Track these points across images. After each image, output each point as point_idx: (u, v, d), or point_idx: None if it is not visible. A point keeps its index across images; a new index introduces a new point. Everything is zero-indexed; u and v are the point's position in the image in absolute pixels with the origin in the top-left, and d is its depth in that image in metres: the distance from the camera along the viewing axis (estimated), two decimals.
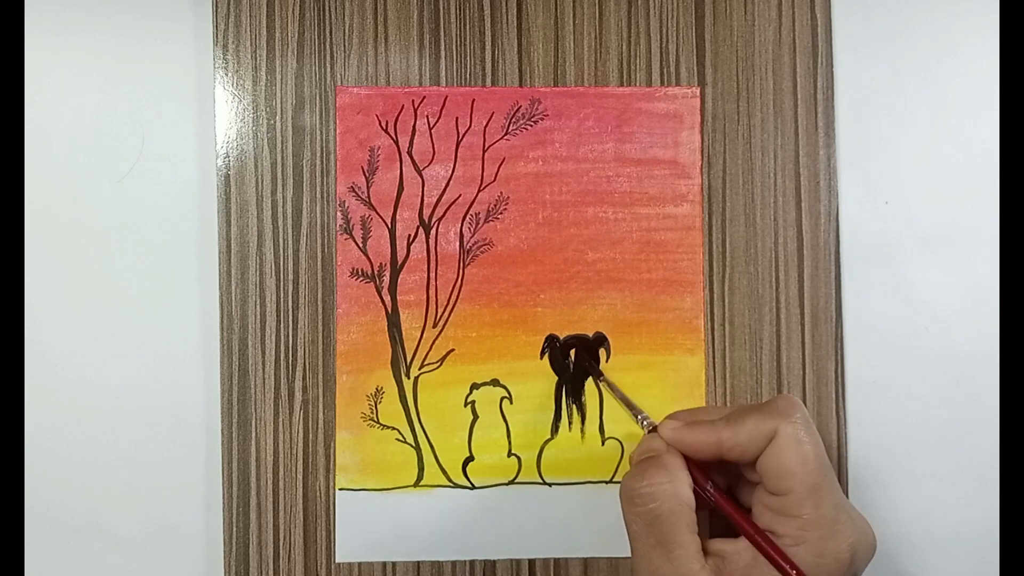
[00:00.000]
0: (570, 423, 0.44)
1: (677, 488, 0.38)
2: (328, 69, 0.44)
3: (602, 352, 0.44)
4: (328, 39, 0.44)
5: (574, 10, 0.45)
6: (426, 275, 0.44)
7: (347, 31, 0.44)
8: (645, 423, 0.41)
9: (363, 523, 0.43)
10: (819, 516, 0.36)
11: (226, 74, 0.44)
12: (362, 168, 0.44)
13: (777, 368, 0.44)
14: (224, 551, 0.43)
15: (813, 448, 0.37)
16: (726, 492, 0.40)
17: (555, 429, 0.44)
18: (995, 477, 0.44)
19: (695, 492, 0.38)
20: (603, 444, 0.44)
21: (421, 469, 0.44)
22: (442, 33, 0.45)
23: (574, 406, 0.44)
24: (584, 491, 0.44)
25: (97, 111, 0.44)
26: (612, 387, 0.43)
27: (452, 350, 0.44)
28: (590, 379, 0.44)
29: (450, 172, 0.44)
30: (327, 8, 0.44)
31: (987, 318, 0.44)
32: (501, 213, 0.44)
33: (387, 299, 0.44)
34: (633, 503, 0.38)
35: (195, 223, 0.44)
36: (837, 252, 0.44)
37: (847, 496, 0.44)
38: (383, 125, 0.44)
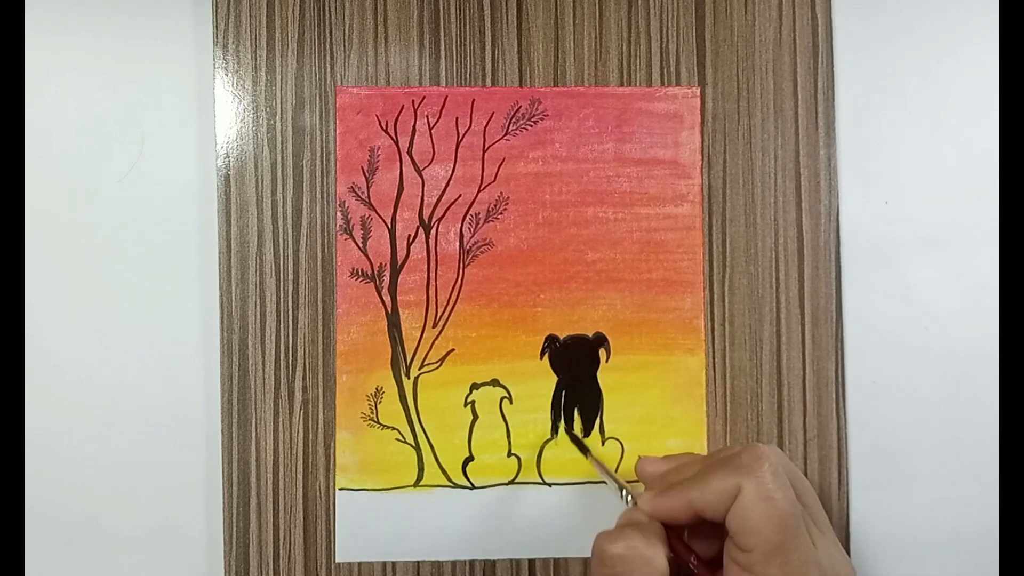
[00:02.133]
0: (571, 423, 0.44)
1: (650, 554, 0.37)
2: (328, 69, 0.44)
3: (602, 352, 0.44)
4: (328, 39, 0.44)
5: (574, 10, 0.45)
6: (426, 275, 0.44)
7: (347, 31, 0.44)
8: (628, 498, 0.40)
9: (363, 523, 0.43)
10: (785, 574, 0.35)
11: (226, 74, 0.44)
12: (362, 168, 0.44)
13: (777, 368, 0.44)
14: (224, 551, 0.43)
15: (779, 505, 0.36)
16: (714, 557, 0.39)
17: (555, 429, 0.44)
18: (995, 477, 0.44)
19: (680, 565, 0.38)
20: (603, 444, 0.44)
21: (421, 469, 0.44)
22: (442, 33, 0.45)
23: (574, 406, 0.44)
24: (584, 491, 0.44)
25: (97, 111, 0.44)
26: (599, 465, 0.42)
27: (452, 350, 0.44)
28: (589, 379, 0.44)
29: (450, 172, 0.44)
30: (327, 8, 0.44)
31: (987, 318, 0.44)
32: (501, 213, 0.44)
33: (387, 299, 0.44)
34: (603, 563, 0.37)
35: (195, 223, 0.44)
36: (837, 252, 0.44)
37: (847, 497, 0.44)
38: (383, 125, 0.44)
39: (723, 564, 0.37)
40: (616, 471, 0.44)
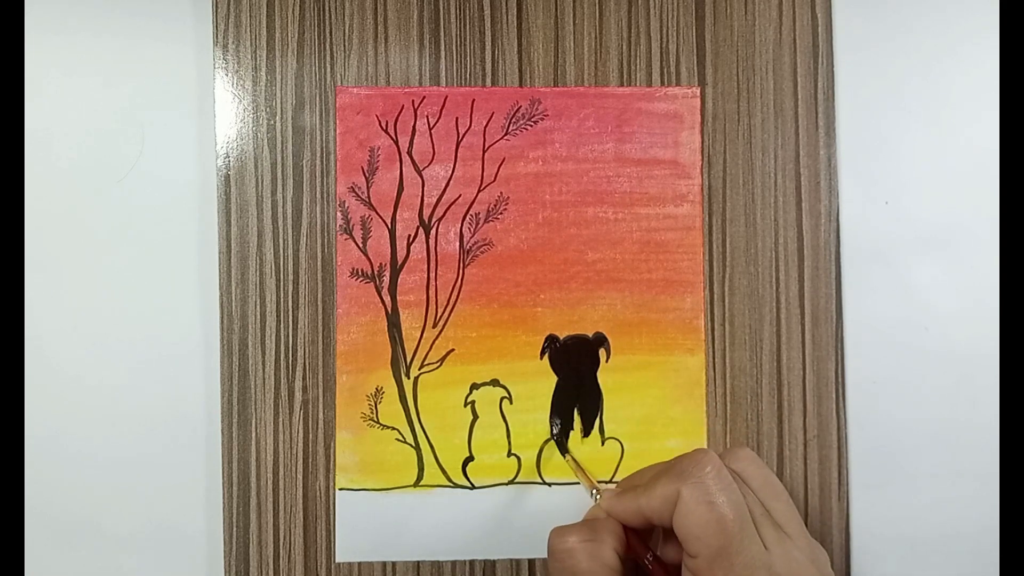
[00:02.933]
0: (570, 425, 0.44)
1: (598, 549, 0.37)
2: (328, 69, 0.44)
3: (602, 352, 0.44)
4: (328, 39, 0.44)
5: (574, 10, 0.45)
6: (426, 275, 0.44)
7: (347, 31, 0.44)
8: (596, 497, 0.40)
9: (363, 523, 0.43)
10: None
11: (226, 74, 0.44)
12: (362, 168, 0.44)
13: (777, 368, 0.44)
14: (224, 551, 0.43)
15: (718, 509, 0.35)
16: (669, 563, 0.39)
17: (553, 432, 0.44)
18: (995, 477, 0.44)
19: (638, 563, 0.38)
20: (603, 444, 0.44)
21: (421, 469, 0.44)
22: (442, 33, 0.45)
23: (574, 406, 0.44)
24: (584, 491, 0.44)
25: (97, 111, 0.44)
26: (575, 464, 0.43)
27: (452, 350, 0.44)
28: (589, 379, 0.44)
29: (450, 172, 0.44)
30: (327, 8, 0.44)
31: (987, 318, 0.44)
32: (501, 213, 0.44)
33: (387, 299, 0.44)
34: (553, 557, 0.38)
35: (195, 223, 0.44)
36: (837, 252, 0.44)
37: (847, 497, 0.44)
38: (383, 125, 0.44)
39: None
40: (616, 471, 0.44)
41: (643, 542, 0.39)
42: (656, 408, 0.44)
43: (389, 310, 0.44)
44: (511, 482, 0.44)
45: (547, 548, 0.38)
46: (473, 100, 0.44)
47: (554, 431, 0.44)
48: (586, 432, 0.44)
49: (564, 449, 0.44)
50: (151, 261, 0.44)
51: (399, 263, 0.44)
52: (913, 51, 0.45)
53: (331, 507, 0.43)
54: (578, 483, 0.44)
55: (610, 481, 0.44)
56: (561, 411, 0.44)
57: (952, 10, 0.45)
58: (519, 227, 0.44)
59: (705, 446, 0.44)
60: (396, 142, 0.44)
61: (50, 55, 0.45)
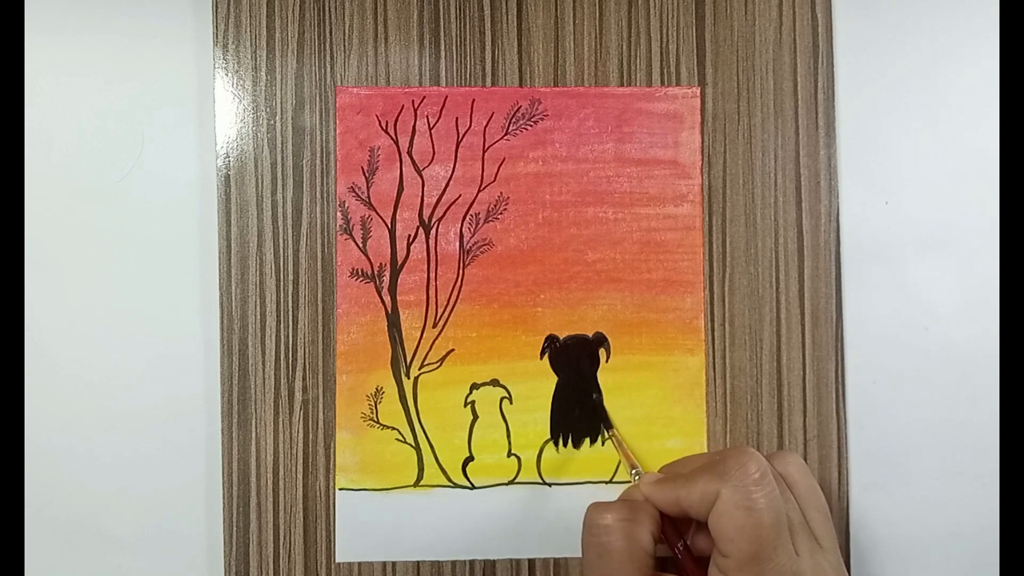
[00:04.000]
0: (570, 425, 0.44)
1: (635, 529, 0.37)
2: (328, 69, 0.44)
3: (602, 352, 0.44)
4: (328, 39, 0.44)
5: (574, 10, 0.45)
6: (426, 275, 0.44)
7: (347, 31, 0.44)
8: (636, 478, 0.41)
9: (363, 523, 0.43)
10: None
11: (226, 74, 0.44)
12: (362, 168, 0.44)
13: (777, 368, 0.44)
14: (224, 551, 0.43)
15: (756, 515, 0.36)
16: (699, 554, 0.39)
17: (554, 432, 0.44)
18: (995, 477, 0.44)
19: (669, 550, 0.39)
20: (603, 444, 0.44)
21: (421, 469, 0.44)
22: (442, 33, 0.45)
23: (575, 406, 0.44)
24: (584, 491, 0.44)
25: (97, 111, 0.44)
26: (618, 441, 0.43)
27: (452, 350, 0.44)
28: (589, 379, 0.44)
29: (450, 172, 0.44)
30: (327, 8, 0.44)
31: (987, 318, 0.44)
32: (501, 213, 0.44)
33: (387, 299, 0.44)
34: (590, 531, 0.38)
35: (195, 223, 0.44)
36: (837, 252, 0.44)
37: (847, 497, 0.44)
38: (383, 125, 0.44)
39: (708, 569, 0.38)
40: (616, 471, 0.44)
41: (677, 530, 0.39)
42: (656, 408, 0.44)
43: (389, 310, 0.44)
44: (511, 482, 0.44)
45: (584, 521, 0.39)
46: (473, 100, 0.44)
47: (595, 397, 0.44)
48: (592, 441, 0.44)
49: (608, 423, 0.43)
50: (151, 261, 0.44)
51: (399, 263, 0.44)
52: (913, 51, 0.45)
53: (331, 507, 0.43)
54: (578, 483, 0.44)
55: (610, 481, 0.44)
56: (562, 411, 0.44)
57: (952, 10, 0.45)
58: (519, 227, 0.44)
59: (705, 447, 0.44)
60: (396, 142, 0.44)
61: (50, 55, 0.45)
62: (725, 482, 0.36)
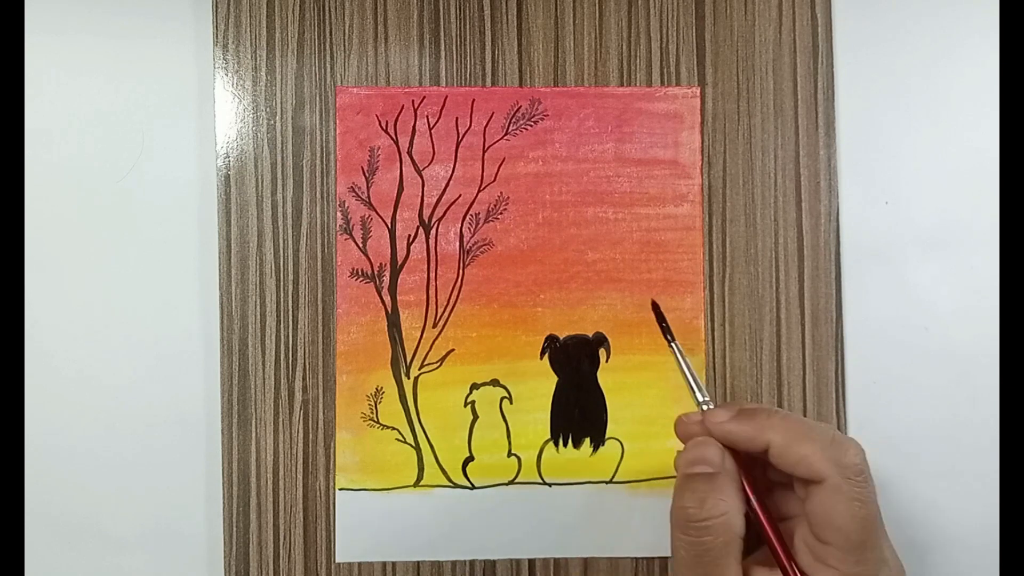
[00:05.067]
0: (570, 427, 0.44)
1: (732, 520, 0.36)
2: (328, 69, 0.44)
3: (602, 352, 0.44)
4: (328, 39, 0.44)
5: (574, 10, 0.45)
6: (426, 275, 0.44)
7: (347, 31, 0.44)
8: (704, 407, 0.39)
9: (363, 523, 0.43)
10: (858, 573, 0.36)
11: (226, 74, 0.44)
12: (362, 168, 0.44)
13: (777, 368, 0.44)
14: (224, 551, 0.43)
15: (868, 507, 0.36)
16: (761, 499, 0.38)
17: (555, 431, 0.44)
18: (995, 477, 0.44)
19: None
20: (603, 444, 0.44)
21: (421, 469, 0.44)
22: (442, 33, 0.45)
23: (575, 406, 0.44)
24: (584, 491, 0.44)
25: (97, 111, 0.44)
26: (682, 357, 0.41)
27: (452, 350, 0.44)
28: (589, 379, 0.44)
29: (450, 172, 0.44)
30: (327, 8, 0.44)
31: (987, 318, 0.44)
32: (501, 213, 0.44)
33: (387, 299, 0.44)
34: (687, 532, 0.36)
35: (195, 223, 0.44)
36: (837, 252, 0.44)
37: None
38: (383, 125, 0.44)
39: (793, 545, 0.37)
40: (616, 471, 0.44)
41: (753, 486, 0.38)
42: (656, 408, 0.44)
43: (389, 310, 0.44)
44: (511, 482, 0.44)
45: (675, 519, 0.37)
46: (473, 100, 0.44)
47: (658, 309, 0.42)
48: (594, 440, 0.44)
49: (671, 336, 0.41)
50: (151, 261, 0.44)
51: (399, 263, 0.44)
52: (913, 51, 0.45)
53: (331, 507, 0.43)
54: (578, 483, 0.44)
55: (610, 481, 0.44)
56: (562, 411, 0.44)
57: (952, 10, 0.45)
58: (519, 227, 0.44)
59: None
60: (396, 142, 0.44)
61: (50, 55, 0.45)
62: (837, 470, 0.36)
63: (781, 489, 0.39)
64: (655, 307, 0.43)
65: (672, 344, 0.41)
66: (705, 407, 0.39)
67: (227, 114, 0.44)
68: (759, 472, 0.39)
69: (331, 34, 0.44)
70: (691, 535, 0.36)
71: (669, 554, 0.39)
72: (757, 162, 0.45)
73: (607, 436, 0.44)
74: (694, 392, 0.40)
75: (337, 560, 0.43)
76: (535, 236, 0.44)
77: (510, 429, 0.44)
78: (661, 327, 0.42)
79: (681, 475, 0.38)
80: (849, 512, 0.36)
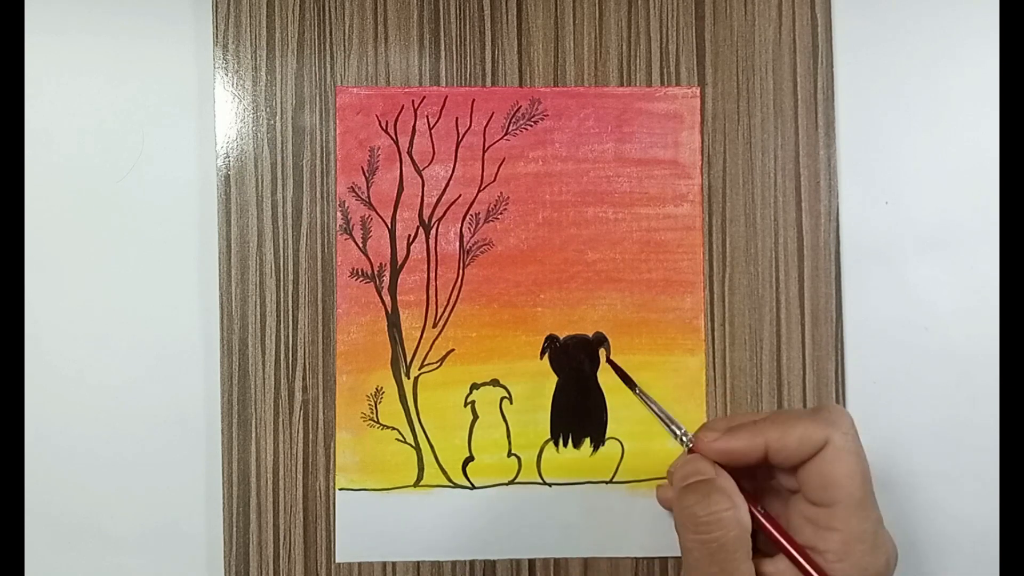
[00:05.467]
0: (571, 423, 0.44)
1: (739, 515, 0.37)
2: (328, 69, 0.44)
3: (602, 352, 0.44)
4: (328, 39, 0.44)
5: (574, 10, 0.45)
6: (426, 275, 0.44)
7: (347, 31, 0.44)
8: (685, 439, 0.40)
9: (363, 523, 0.43)
10: (863, 530, 0.36)
11: (226, 74, 0.44)
12: (362, 168, 0.44)
13: (777, 368, 0.44)
14: (224, 551, 0.43)
15: (862, 461, 0.37)
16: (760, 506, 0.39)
17: (554, 432, 0.44)
18: (995, 477, 0.44)
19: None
20: (603, 444, 0.44)
21: (421, 469, 0.44)
22: (442, 33, 0.45)
23: (575, 407, 0.44)
24: (584, 491, 0.44)
25: (97, 111, 0.44)
26: (649, 400, 0.43)
27: (452, 350, 0.44)
28: (589, 379, 0.44)
29: (450, 172, 0.44)
30: (327, 8, 0.44)
31: (987, 318, 0.44)
32: (501, 213, 0.44)
33: (387, 299, 0.44)
34: (697, 531, 0.37)
35: (195, 223, 0.44)
36: (837, 252, 0.44)
37: None
38: (383, 125, 0.44)
39: (790, 524, 0.38)
40: (616, 471, 0.44)
41: (752, 494, 0.38)
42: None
43: (389, 310, 0.44)
44: (511, 482, 0.44)
45: (683, 521, 0.37)
46: (473, 100, 0.44)
47: (610, 360, 0.43)
48: (595, 446, 0.44)
49: (632, 383, 0.42)
50: (151, 261, 0.44)
51: (399, 263, 0.44)
52: (913, 51, 0.45)
53: (331, 507, 0.43)
54: (578, 483, 0.44)
55: (610, 481, 0.44)
56: (562, 413, 0.44)
57: (952, 10, 0.45)
58: (519, 227, 0.44)
59: None
60: (396, 142, 0.44)
61: (50, 55, 0.45)
62: (834, 430, 0.37)
63: (768, 495, 0.40)
64: (612, 364, 0.43)
65: (637, 392, 0.43)
66: (686, 437, 0.40)
67: (227, 114, 0.44)
68: (746, 483, 0.39)
69: (331, 34, 0.44)
70: (701, 533, 0.37)
71: (669, 554, 0.39)
72: (757, 162, 0.45)
73: (607, 436, 0.44)
74: (671, 429, 0.41)
75: (337, 560, 0.43)
76: (535, 236, 0.44)
77: (510, 429, 0.44)
78: (624, 380, 0.43)
79: (678, 489, 0.38)
80: (851, 467, 0.36)
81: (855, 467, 0.37)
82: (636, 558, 0.44)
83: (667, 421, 0.41)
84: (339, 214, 0.44)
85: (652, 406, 0.42)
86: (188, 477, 0.44)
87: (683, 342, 0.44)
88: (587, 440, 0.44)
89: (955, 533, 0.44)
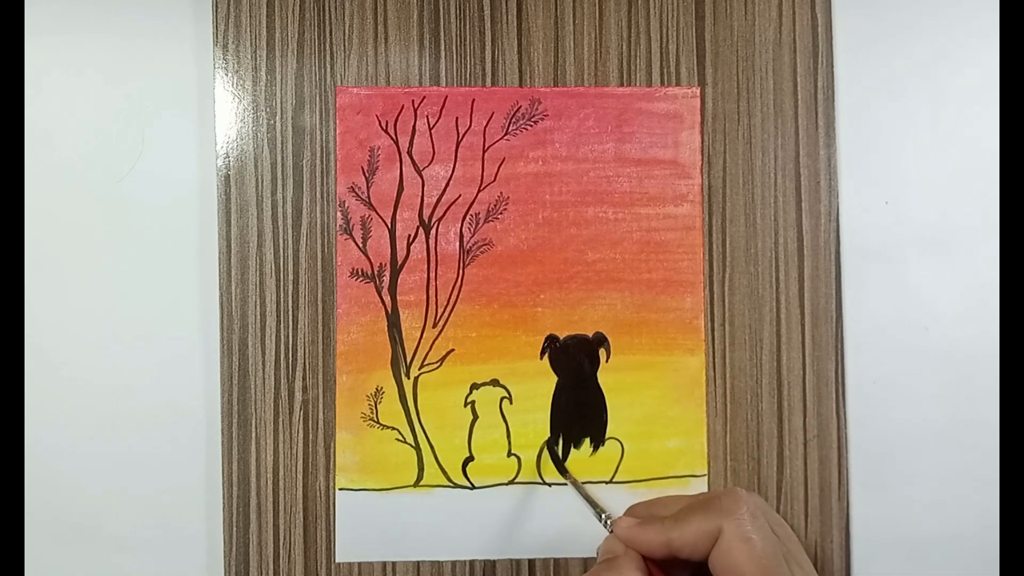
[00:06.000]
0: (570, 423, 0.44)
1: None
2: (328, 69, 0.44)
3: (602, 352, 0.44)
4: (328, 39, 0.44)
5: (574, 10, 0.45)
6: (426, 275, 0.44)
7: (347, 31, 0.44)
8: (608, 522, 0.41)
9: (363, 523, 0.43)
10: None
11: (226, 74, 0.44)
12: (362, 168, 0.44)
13: (777, 368, 0.44)
14: (224, 551, 0.43)
15: (760, 544, 0.37)
16: None
17: (553, 431, 0.44)
18: (995, 477, 0.44)
19: None
20: (603, 444, 0.44)
21: (421, 469, 0.44)
22: (442, 33, 0.45)
23: (575, 407, 0.44)
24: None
25: (97, 111, 0.44)
26: (577, 486, 0.43)
27: (452, 350, 0.44)
28: (589, 380, 0.44)
29: (450, 172, 0.44)
30: (327, 8, 0.44)
31: (987, 318, 0.44)
32: (501, 213, 0.44)
33: (387, 299, 0.44)
34: None
35: (195, 223, 0.44)
36: (837, 252, 0.44)
37: (847, 497, 0.44)
38: (383, 125, 0.44)
39: None
40: (616, 471, 0.44)
41: (664, 572, 0.39)
42: (656, 408, 0.44)
43: (389, 310, 0.44)
44: (511, 482, 0.44)
45: None
46: (473, 100, 0.44)
47: (554, 447, 0.44)
48: (595, 447, 0.44)
49: (564, 470, 0.43)
50: (151, 261, 0.44)
51: (399, 263, 0.44)
52: (913, 51, 0.45)
53: (331, 507, 0.43)
54: (581, 483, 0.44)
55: (610, 481, 0.44)
56: (562, 413, 0.44)
57: (952, 10, 0.45)
58: (519, 227, 0.44)
59: (705, 447, 0.44)
60: (396, 142, 0.44)
61: (50, 55, 0.45)
62: (726, 518, 0.37)
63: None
64: (549, 448, 0.44)
65: (567, 476, 0.43)
66: (609, 521, 0.41)
67: (227, 114, 0.44)
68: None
69: (331, 34, 0.44)
70: None
71: None
72: (757, 162, 0.45)
73: (607, 436, 0.44)
74: (596, 513, 0.41)
75: (337, 560, 0.43)
76: (535, 236, 0.44)
77: (510, 429, 0.44)
78: (557, 467, 0.43)
79: (597, 563, 0.40)
80: (744, 553, 0.37)
81: (748, 553, 0.37)
82: None
83: (592, 505, 0.42)
84: (339, 214, 0.44)
85: (580, 492, 0.43)
86: (188, 477, 0.44)
87: (683, 342, 0.44)
88: (587, 440, 0.44)
89: (955, 533, 0.44)
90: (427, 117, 0.44)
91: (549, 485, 0.44)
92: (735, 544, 0.37)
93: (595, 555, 0.43)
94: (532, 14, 0.45)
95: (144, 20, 0.45)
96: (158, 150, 0.44)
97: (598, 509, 0.41)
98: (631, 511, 0.42)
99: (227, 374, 0.43)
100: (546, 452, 0.44)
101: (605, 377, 0.44)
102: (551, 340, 0.44)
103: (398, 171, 0.44)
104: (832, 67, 0.45)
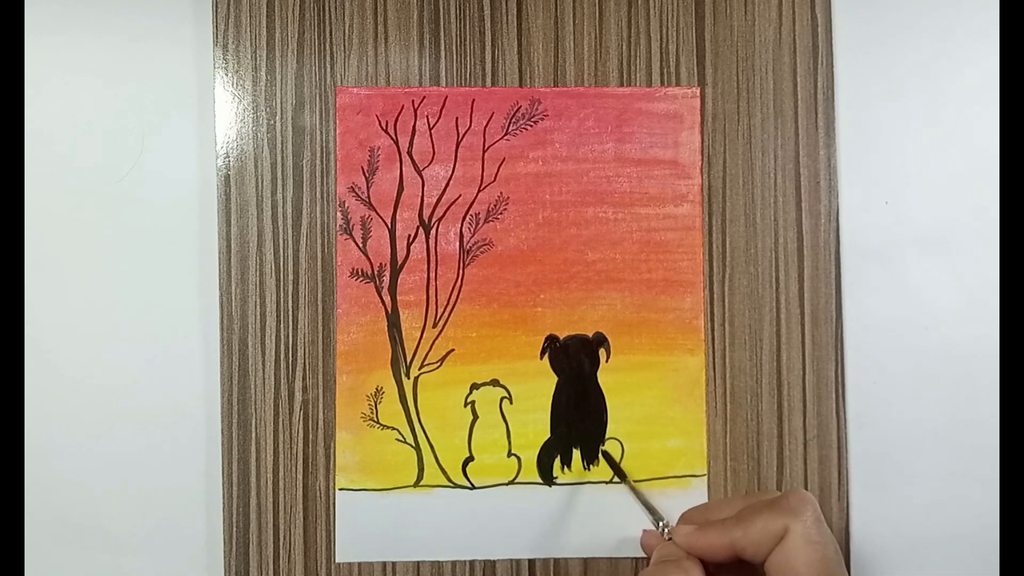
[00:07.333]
0: (570, 423, 0.44)
1: None
2: (328, 69, 0.44)
3: (602, 352, 0.44)
4: (328, 39, 0.44)
5: (574, 10, 0.45)
6: (426, 275, 0.44)
7: (347, 31, 0.44)
8: (665, 530, 0.41)
9: (363, 523, 0.43)
10: None
11: (226, 74, 0.44)
12: (362, 168, 0.44)
13: (777, 368, 0.44)
14: (224, 551, 0.43)
15: (823, 549, 0.37)
16: None
17: (554, 430, 0.44)
18: (995, 477, 0.44)
19: None
20: (603, 444, 0.44)
21: (421, 469, 0.44)
22: (442, 33, 0.45)
23: (575, 407, 0.44)
24: (584, 491, 0.44)
25: (97, 111, 0.44)
26: (635, 491, 0.43)
27: (452, 350, 0.44)
28: (589, 380, 0.44)
29: (450, 172, 0.44)
30: (327, 8, 0.44)
31: (987, 318, 0.44)
32: (501, 213, 0.44)
33: (387, 299, 0.44)
34: None
35: (195, 223, 0.44)
36: (837, 252, 0.44)
37: (847, 497, 0.44)
38: (383, 125, 0.44)
39: None
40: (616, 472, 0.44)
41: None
42: (656, 408, 0.44)
43: (389, 310, 0.44)
44: (511, 482, 0.44)
45: None
46: (473, 100, 0.44)
47: (609, 453, 0.44)
48: (598, 437, 0.44)
49: (623, 475, 0.43)
50: (151, 261, 0.44)
51: (399, 263, 0.44)
52: (913, 51, 0.45)
53: (331, 507, 0.43)
54: (579, 483, 0.44)
55: (610, 481, 0.44)
56: (562, 413, 0.44)
57: (952, 10, 0.45)
58: (519, 227, 0.44)
59: (705, 447, 0.44)
60: (396, 142, 0.44)
61: (50, 55, 0.45)
62: (792, 519, 0.37)
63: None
64: (605, 454, 0.44)
65: (625, 481, 0.43)
66: (666, 529, 0.41)
67: (227, 114, 0.44)
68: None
69: (331, 34, 0.44)
70: None
71: None
72: (757, 162, 0.45)
73: (607, 436, 0.44)
74: (653, 519, 0.42)
75: (337, 560, 0.43)
76: (535, 236, 0.44)
77: (510, 429, 0.44)
78: (615, 471, 0.43)
79: (653, 563, 0.40)
80: (808, 555, 0.37)
81: (813, 556, 0.37)
82: (636, 558, 0.44)
83: (651, 512, 0.42)
84: (339, 214, 0.44)
85: (638, 498, 0.43)
86: (188, 477, 0.44)
87: (683, 342, 0.44)
88: (579, 453, 0.44)
89: (955, 533, 0.44)
90: (427, 117, 0.44)
91: (549, 485, 0.44)
92: (800, 545, 0.37)
93: (595, 555, 0.43)
94: (532, 14, 0.45)
95: (144, 20, 0.45)
96: (158, 150, 0.44)
97: (656, 516, 0.42)
98: (685, 517, 0.42)
99: (227, 374, 0.43)
100: (549, 444, 0.44)
101: (605, 377, 0.44)
102: (551, 340, 0.44)
103: (398, 171, 0.44)
104: (832, 67, 0.45)
